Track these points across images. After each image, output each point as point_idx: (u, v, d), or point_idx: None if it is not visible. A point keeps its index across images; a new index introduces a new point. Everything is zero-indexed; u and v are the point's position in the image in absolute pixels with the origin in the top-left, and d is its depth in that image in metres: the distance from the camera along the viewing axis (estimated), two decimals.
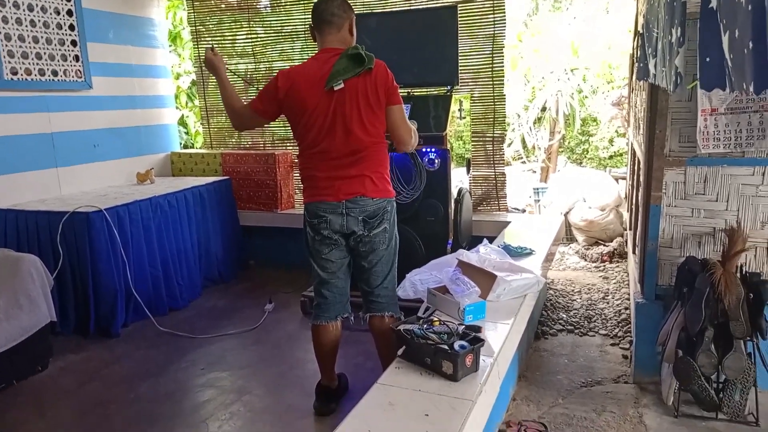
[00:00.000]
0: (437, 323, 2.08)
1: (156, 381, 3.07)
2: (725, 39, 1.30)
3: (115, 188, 4.38)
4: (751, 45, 1.12)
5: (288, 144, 5.07)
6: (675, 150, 2.66)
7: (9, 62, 3.73)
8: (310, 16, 2.49)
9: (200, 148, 5.82)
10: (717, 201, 2.66)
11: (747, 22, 1.14)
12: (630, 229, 4.31)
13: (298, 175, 4.70)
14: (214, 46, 2.68)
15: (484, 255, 2.75)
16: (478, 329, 2.08)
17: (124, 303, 3.68)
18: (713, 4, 1.37)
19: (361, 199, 2.41)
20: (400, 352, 2.06)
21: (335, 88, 2.30)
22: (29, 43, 3.85)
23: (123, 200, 3.79)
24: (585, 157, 8.42)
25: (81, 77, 4.24)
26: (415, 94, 3.81)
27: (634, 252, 3.65)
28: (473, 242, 3.27)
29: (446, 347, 1.90)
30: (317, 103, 2.34)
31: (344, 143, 2.37)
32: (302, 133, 2.43)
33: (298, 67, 2.44)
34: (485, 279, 2.48)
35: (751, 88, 1.15)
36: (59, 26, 4.06)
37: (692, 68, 2.38)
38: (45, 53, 3.96)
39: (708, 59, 1.43)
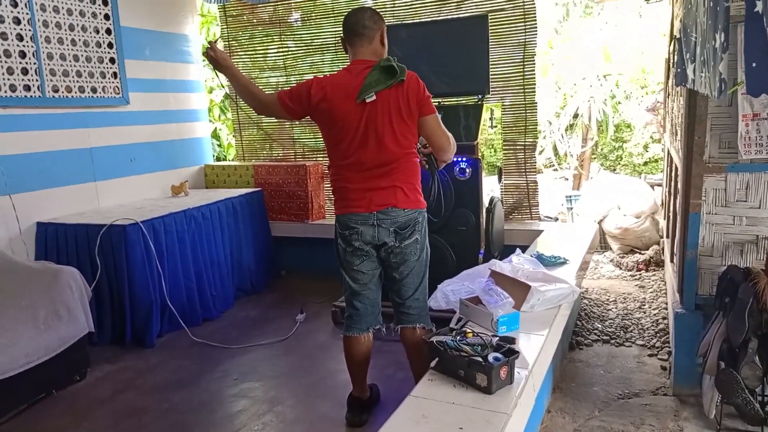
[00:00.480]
0: (471, 335, 2.06)
1: (189, 391, 3.11)
2: None
3: (150, 201, 4.47)
4: None
5: (319, 155, 5.11)
6: (715, 156, 2.59)
7: (51, 80, 3.85)
8: (340, 28, 2.50)
9: (232, 160, 5.91)
10: (760, 208, 2.57)
11: None
12: (667, 237, 4.21)
13: (329, 185, 4.73)
14: (212, 41, 2.57)
15: (517, 265, 2.72)
16: (513, 341, 2.05)
17: (159, 314, 3.74)
18: (759, 8, 1.33)
19: (392, 210, 2.41)
20: (433, 364, 2.04)
21: (367, 100, 2.31)
22: (70, 61, 3.98)
23: (158, 213, 3.86)
24: (619, 163, 8.25)
25: (119, 93, 4.35)
26: (446, 103, 3.80)
27: (672, 260, 3.56)
28: (505, 252, 3.23)
29: (480, 359, 1.88)
30: (349, 115, 2.35)
31: (376, 155, 2.37)
32: (333, 145, 2.45)
33: (331, 77, 2.44)
34: (519, 289, 2.44)
35: None
36: (98, 44, 4.18)
37: (734, 73, 2.32)
38: (85, 71, 4.08)
39: (754, 64, 1.39)
